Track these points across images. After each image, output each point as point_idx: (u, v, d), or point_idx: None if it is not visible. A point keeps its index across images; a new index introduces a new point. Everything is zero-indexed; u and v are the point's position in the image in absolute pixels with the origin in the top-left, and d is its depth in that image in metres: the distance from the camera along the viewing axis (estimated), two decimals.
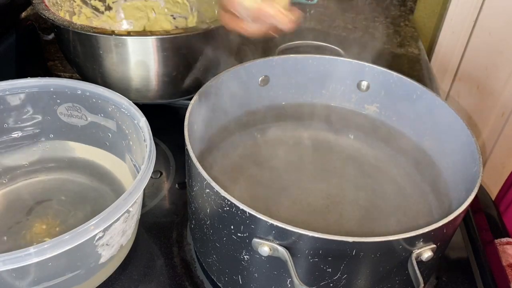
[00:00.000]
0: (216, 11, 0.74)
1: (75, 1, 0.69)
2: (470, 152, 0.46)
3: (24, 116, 0.54)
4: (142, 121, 0.48)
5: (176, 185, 0.59)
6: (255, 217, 0.36)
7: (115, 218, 0.40)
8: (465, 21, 1.02)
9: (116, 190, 0.55)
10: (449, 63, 1.08)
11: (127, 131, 0.51)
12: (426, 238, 0.37)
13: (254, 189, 0.50)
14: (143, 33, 0.59)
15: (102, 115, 0.53)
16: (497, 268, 0.53)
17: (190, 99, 0.48)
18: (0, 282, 0.38)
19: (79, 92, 0.52)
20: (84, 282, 0.44)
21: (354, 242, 0.35)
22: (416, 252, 0.37)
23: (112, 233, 0.42)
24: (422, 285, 0.36)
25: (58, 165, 0.57)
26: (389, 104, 0.57)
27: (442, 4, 1.05)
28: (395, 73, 0.55)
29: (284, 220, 0.36)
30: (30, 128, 0.55)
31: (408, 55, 0.89)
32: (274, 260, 0.38)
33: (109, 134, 0.54)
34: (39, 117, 0.55)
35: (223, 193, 0.38)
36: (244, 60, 0.54)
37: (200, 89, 0.50)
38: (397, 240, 0.36)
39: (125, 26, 0.77)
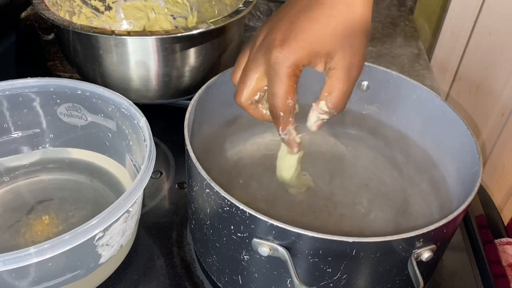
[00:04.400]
0: (216, 11, 0.74)
1: (75, 1, 0.69)
2: (470, 152, 0.46)
3: (24, 116, 0.54)
4: (142, 121, 0.48)
5: (176, 185, 0.59)
6: (255, 217, 0.36)
7: (115, 218, 0.40)
8: (465, 21, 1.02)
9: (116, 190, 0.55)
10: (449, 63, 1.08)
11: (127, 131, 0.51)
12: (426, 238, 0.37)
13: (254, 189, 0.50)
14: (143, 33, 0.59)
15: (102, 115, 0.53)
16: (497, 268, 0.53)
17: (190, 99, 0.48)
18: (0, 282, 0.38)
19: (79, 92, 0.52)
20: (84, 282, 0.44)
21: (354, 242, 0.35)
22: (416, 252, 0.37)
23: (112, 233, 0.42)
24: (422, 285, 0.36)
25: (59, 165, 0.57)
26: (389, 104, 0.57)
27: (442, 4, 1.05)
28: (395, 73, 0.55)
29: (284, 220, 0.36)
30: (30, 128, 0.55)
31: (408, 55, 0.89)
32: (274, 260, 0.38)
33: (109, 134, 0.54)
34: (39, 117, 0.55)
35: (223, 193, 0.38)
36: None
37: (200, 89, 0.50)
38: (397, 240, 0.36)
39: (125, 26, 0.77)
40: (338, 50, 0.39)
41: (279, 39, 0.38)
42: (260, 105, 0.43)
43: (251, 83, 0.41)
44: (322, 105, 0.41)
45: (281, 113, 0.40)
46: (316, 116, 0.42)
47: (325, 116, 0.42)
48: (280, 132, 0.42)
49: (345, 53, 0.39)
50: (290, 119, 0.41)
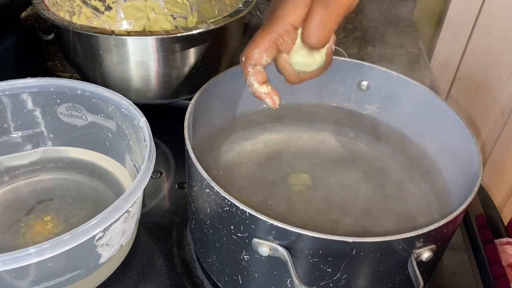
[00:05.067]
0: (216, 11, 0.74)
1: (75, 1, 0.69)
2: (470, 152, 0.46)
3: (24, 116, 0.54)
4: (142, 121, 0.48)
5: (176, 185, 0.59)
6: (255, 217, 0.36)
7: (115, 218, 0.40)
8: (465, 21, 1.02)
9: (116, 190, 0.55)
10: (449, 63, 1.08)
11: (127, 131, 0.51)
12: (426, 238, 0.37)
13: (254, 189, 0.50)
14: (143, 33, 0.59)
15: (102, 115, 0.53)
16: (497, 268, 0.53)
17: (190, 99, 0.48)
18: (0, 282, 0.38)
19: (79, 92, 0.52)
20: (84, 282, 0.44)
21: (354, 242, 0.35)
22: (416, 252, 0.37)
23: (112, 233, 0.42)
24: (422, 285, 0.36)
25: (58, 165, 0.57)
26: (389, 104, 0.57)
27: (442, 4, 1.05)
28: (395, 73, 0.55)
29: (284, 220, 0.36)
30: (30, 128, 0.55)
31: (408, 55, 0.89)
32: (274, 260, 0.38)
33: (109, 134, 0.54)
34: (39, 117, 0.55)
35: (223, 193, 0.38)
36: None
37: (200, 89, 0.50)
38: (397, 240, 0.36)
39: (125, 26, 0.77)
40: None
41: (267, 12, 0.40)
42: None
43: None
44: (298, 34, 0.41)
45: (243, 58, 0.41)
46: (296, 53, 0.42)
47: (304, 52, 0.41)
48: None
49: None
50: (250, 69, 0.41)
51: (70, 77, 0.64)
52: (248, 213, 0.37)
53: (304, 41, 0.40)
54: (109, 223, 0.39)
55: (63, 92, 0.53)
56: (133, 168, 0.53)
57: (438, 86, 0.83)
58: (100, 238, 0.41)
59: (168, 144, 0.64)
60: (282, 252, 0.37)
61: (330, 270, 0.38)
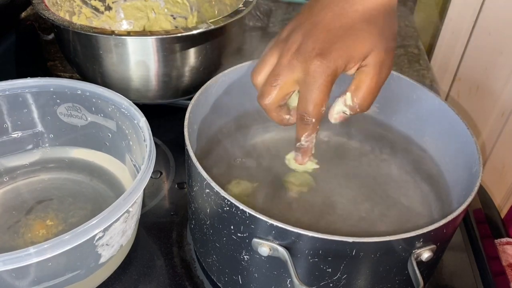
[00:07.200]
0: (216, 11, 0.74)
1: (75, 1, 0.69)
2: (470, 152, 0.46)
3: (24, 116, 0.54)
4: (142, 121, 0.48)
5: (176, 185, 0.59)
6: (255, 217, 0.36)
7: (115, 218, 0.40)
8: (465, 21, 1.02)
9: (116, 190, 0.55)
10: (449, 63, 1.08)
11: (127, 131, 0.51)
12: (426, 238, 0.37)
13: (254, 188, 0.50)
14: (143, 33, 0.59)
15: (102, 115, 0.53)
16: (497, 268, 0.53)
17: (190, 99, 0.48)
18: (0, 282, 0.38)
19: (79, 92, 0.52)
20: (84, 282, 0.44)
21: (354, 242, 0.35)
22: (416, 252, 0.37)
23: (112, 233, 0.42)
24: (422, 285, 0.36)
25: (58, 165, 0.57)
26: (389, 104, 0.57)
27: (442, 4, 1.05)
28: (395, 73, 0.55)
29: (284, 220, 0.36)
30: (30, 128, 0.55)
31: (408, 55, 0.89)
32: (274, 260, 0.38)
33: (109, 134, 0.54)
34: (39, 117, 0.55)
35: (223, 193, 0.38)
36: (244, 60, 0.54)
37: (200, 89, 0.50)
38: (397, 240, 0.36)
39: (125, 26, 0.77)
40: (373, 50, 0.40)
41: (319, 48, 0.39)
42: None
43: (282, 88, 0.41)
44: (348, 97, 0.42)
45: (313, 120, 0.41)
46: (339, 107, 0.43)
47: (347, 110, 0.42)
48: (303, 139, 0.43)
49: (379, 52, 0.40)
50: (318, 126, 0.42)
51: (70, 77, 0.64)
52: (248, 213, 0.37)
53: (354, 102, 0.42)
54: (109, 223, 0.39)
55: (63, 92, 0.53)
56: (133, 168, 0.53)
57: (438, 86, 0.83)
58: (100, 238, 0.41)
59: (168, 144, 0.64)
60: (282, 252, 0.37)
61: (330, 270, 0.38)
